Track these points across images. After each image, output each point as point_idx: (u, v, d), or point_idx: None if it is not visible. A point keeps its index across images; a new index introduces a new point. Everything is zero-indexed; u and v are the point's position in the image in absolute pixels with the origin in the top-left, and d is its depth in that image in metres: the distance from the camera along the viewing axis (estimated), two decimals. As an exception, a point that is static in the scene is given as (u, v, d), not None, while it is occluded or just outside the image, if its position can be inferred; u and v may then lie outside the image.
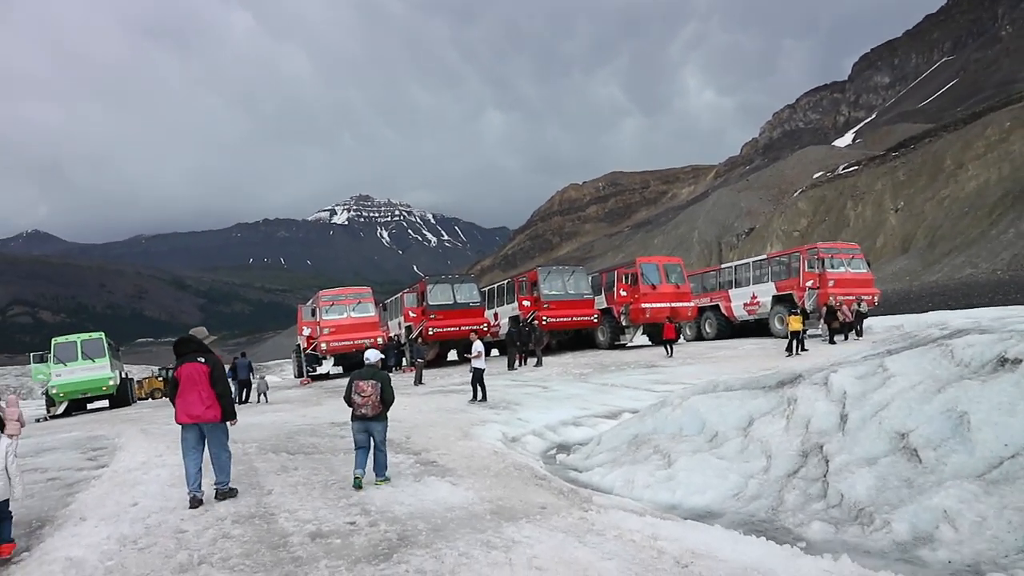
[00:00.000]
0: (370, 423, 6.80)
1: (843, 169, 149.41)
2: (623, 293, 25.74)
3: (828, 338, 23.57)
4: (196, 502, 6.24)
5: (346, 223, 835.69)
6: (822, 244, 25.91)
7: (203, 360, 6.41)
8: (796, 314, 20.50)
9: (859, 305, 23.55)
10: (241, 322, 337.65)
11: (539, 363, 22.29)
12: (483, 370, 14.85)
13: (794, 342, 20.10)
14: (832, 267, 24.88)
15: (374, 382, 6.78)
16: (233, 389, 14.24)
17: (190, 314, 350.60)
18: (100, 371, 24.73)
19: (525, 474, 7.33)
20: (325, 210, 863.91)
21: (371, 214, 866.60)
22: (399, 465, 7.77)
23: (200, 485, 6.35)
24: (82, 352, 24.72)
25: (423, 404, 14.18)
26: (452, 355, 29.79)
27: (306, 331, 27.08)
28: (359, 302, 26.54)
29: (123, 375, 29.85)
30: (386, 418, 6.97)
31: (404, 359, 25.84)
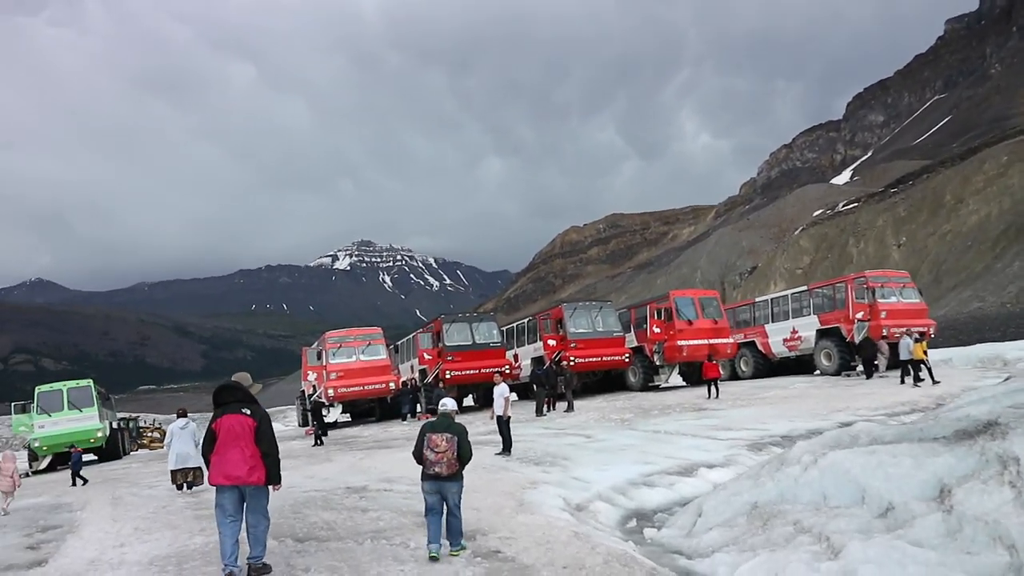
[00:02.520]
0: (445, 484, 5.92)
1: (843, 206, 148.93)
2: (656, 330, 23.60)
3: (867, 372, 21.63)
4: (255, 574, 5.34)
5: (348, 268, 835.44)
6: (870, 272, 23.90)
7: (248, 412, 5.53)
8: (921, 340, 19.09)
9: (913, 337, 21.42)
10: (244, 368, 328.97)
11: (570, 407, 20.09)
12: (510, 418, 12.89)
13: (918, 371, 18.81)
14: (883, 297, 22.82)
15: (449, 435, 5.91)
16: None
17: (192, 361, 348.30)
18: (88, 422, 22.66)
19: (632, 570, 5.18)
20: (327, 256, 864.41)
21: (373, 259, 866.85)
22: (451, 560, 5.59)
23: (237, 559, 5.37)
24: (68, 401, 22.64)
25: (453, 460, 11.95)
26: (468, 400, 27.54)
27: (311, 376, 24.81)
28: (369, 343, 24.32)
29: (116, 425, 27.63)
30: (462, 478, 6.10)
31: (419, 406, 23.54)
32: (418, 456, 6.02)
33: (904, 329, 21.65)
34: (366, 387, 23.21)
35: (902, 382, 19.06)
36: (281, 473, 5.66)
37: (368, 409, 27.93)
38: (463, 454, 5.98)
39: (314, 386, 24.70)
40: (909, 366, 19.10)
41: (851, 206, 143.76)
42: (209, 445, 5.51)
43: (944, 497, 5.45)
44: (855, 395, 17.64)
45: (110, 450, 24.24)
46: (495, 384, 13.87)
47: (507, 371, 23.52)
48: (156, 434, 40.44)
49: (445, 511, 5.96)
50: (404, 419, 22.95)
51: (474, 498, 8.31)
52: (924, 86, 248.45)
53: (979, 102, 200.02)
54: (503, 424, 12.68)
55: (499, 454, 12.36)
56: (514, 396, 28.19)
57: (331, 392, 22.98)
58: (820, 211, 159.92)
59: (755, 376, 26.32)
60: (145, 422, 40.63)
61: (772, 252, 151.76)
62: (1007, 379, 9.61)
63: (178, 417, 11.89)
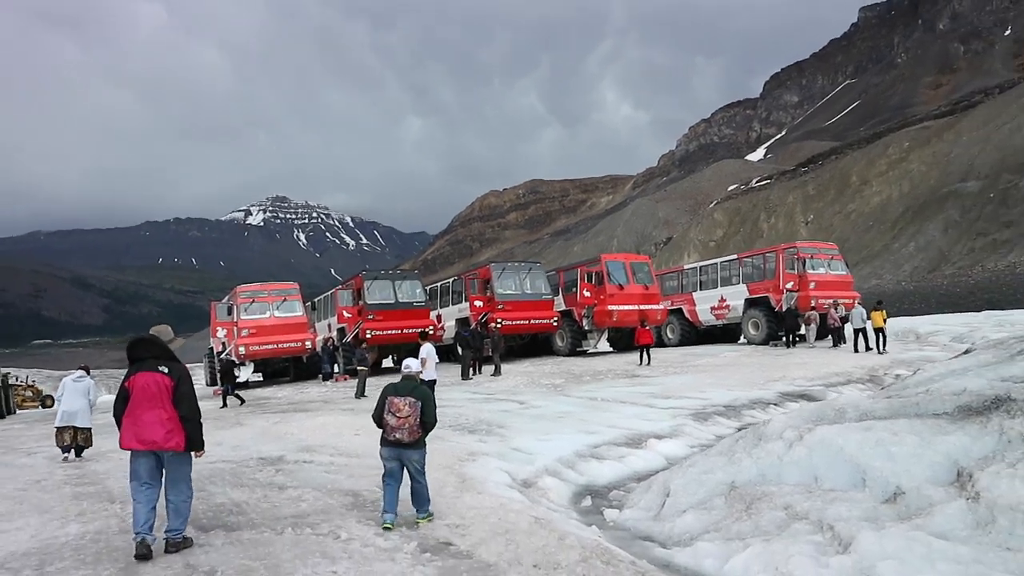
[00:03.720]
0: (405, 451, 5.49)
1: (756, 183, 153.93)
2: (586, 294, 22.91)
3: (789, 342, 21.99)
4: (143, 550, 4.61)
5: (262, 224, 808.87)
6: (801, 243, 23.92)
7: (166, 370, 4.95)
8: (880, 309, 19.37)
9: (836, 309, 21.61)
10: (149, 324, 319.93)
11: (497, 371, 19.22)
12: (435, 381, 12.15)
13: (877, 339, 19.23)
14: (812, 268, 22.87)
15: (412, 400, 5.50)
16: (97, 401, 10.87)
17: (93, 315, 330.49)
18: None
19: (617, 570, 4.30)
20: (240, 210, 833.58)
21: (287, 215, 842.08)
22: (394, 554, 4.56)
23: (152, 528, 4.75)
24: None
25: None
26: (387, 362, 26.33)
27: (221, 333, 22.92)
28: (284, 299, 22.60)
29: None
30: (425, 444, 5.68)
31: (337, 367, 22.14)
32: (378, 420, 5.60)
33: (831, 300, 21.81)
34: (280, 345, 21.63)
35: (855, 350, 19.29)
36: (204, 438, 5.05)
37: (282, 369, 26.29)
38: (427, 420, 5.56)
39: (224, 344, 22.91)
40: (860, 334, 19.44)
41: (764, 182, 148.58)
42: (121, 405, 4.89)
43: (964, 482, 4.78)
44: (788, 364, 17.47)
45: None
46: (420, 344, 12.82)
47: (432, 332, 22.43)
48: (29, 392, 37.14)
49: (407, 478, 5.55)
50: (326, 379, 21.52)
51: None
52: (837, 70, 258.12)
53: (885, 89, 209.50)
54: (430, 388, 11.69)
55: None
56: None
57: (242, 350, 21.32)
58: (735, 186, 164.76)
59: (681, 344, 26.19)
60: (17, 379, 36.94)
61: (687, 224, 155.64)
62: (967, 351, 9.22)
63: (78, 370, 10.52)
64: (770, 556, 4.76)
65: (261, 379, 27.39)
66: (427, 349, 12.76)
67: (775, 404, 12.94)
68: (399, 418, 5.41)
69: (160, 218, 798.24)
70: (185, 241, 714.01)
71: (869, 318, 19.42)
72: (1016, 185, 75.87)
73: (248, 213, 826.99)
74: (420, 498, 5.57)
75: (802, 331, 22.35)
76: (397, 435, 5.41)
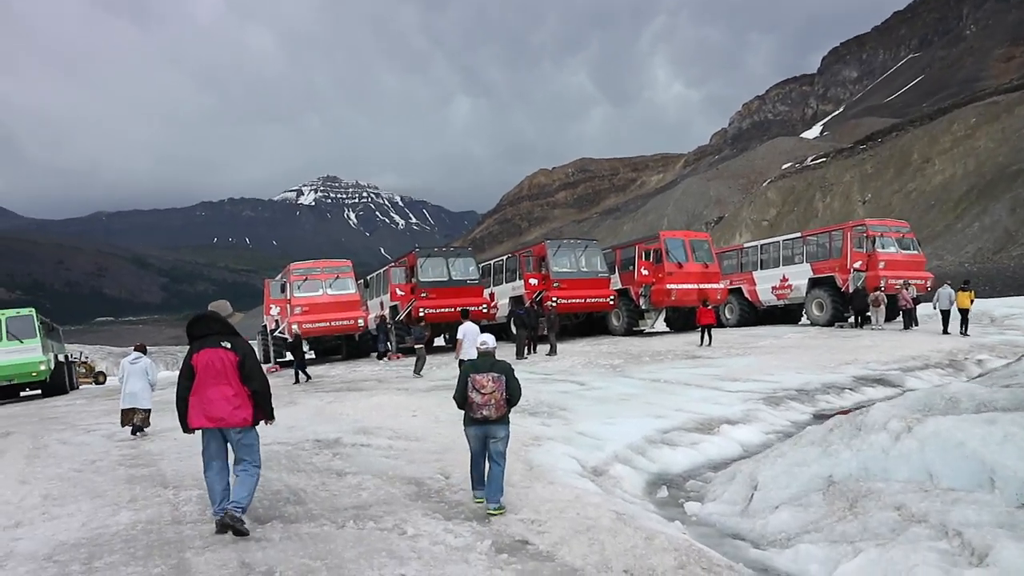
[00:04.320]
0: (493, 427, 5.38)
1: (812, 161, 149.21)
2: (644, 272, 22.20)
3: (858, 323, 21.03)
4: (226, 526, 4.61)
5: (313, 204, 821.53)
6: (871, 220, 22.72)
7: (229, 345, 4.88)
8: (967, 289, 18.61)
9: (907, 290, 20.51)
10: (205, 302, 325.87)
11: (553, 351, 18.75)
12: None
13: (961, 322, 18.58)
14: (882, 247, 21.75)
15: (495, 375, 5.35)
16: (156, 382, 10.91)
17: (152, 293, 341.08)
18: (30, 354, 20.81)
19: (704, 572, 3.81)
20: (292, 190, 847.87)
21: (338, 195, 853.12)
22: (467, 555, 4.13)
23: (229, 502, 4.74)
24: (7, 332, 20.74)
25: (436, 407, 10.48)
26: (439, 340, 26.09)
27: (274, 311, 22.90)
28: (337, 277, 22.40)
29: (62, 357, 25.70)
30: (509, 421, 5.54)
31: (390, 345, 21.94)
32: (461, 400, 5.48)
33: (902, 281, 20.74)
34: (333, 323, 21.45)
35: (944, 332, 18.60)
36: (273, 408, 5.05)
37: (334, 347, 26.24)
38: (512, 393, 5.44)
39: (277, 321, 22.92)
40: (947, 316, 18.76)
41: (819, 161, 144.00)
42: (187, 383, 4.84)
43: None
44: (858, 347, 16.61)
45: (55, 384, 22.49)
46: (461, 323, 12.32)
47: (482, 309, 22.06)
48: (83, 369, 37.93)
49: (487, 459, 5.43)
50: (381, 358, 21.33)
51: (467, 457, 6.91)
52: (899, 44, 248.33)
53: (952, 63, 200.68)
54: None
55: None
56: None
57: (295, 328, 21.28)
58: (789, 164, 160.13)
59: (740, 324, 25.32)
60: (73, 356, 37.83)
61: (739, 203, 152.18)
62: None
63: (134, 351, 10.42)
64: (888, 565, 4.20)
65: (314, 357, 27.48)
66: (466, 328, 12.28)
67: (850, 389, 12.22)
68: (484, 394, 5.28)
69: (215, 199, 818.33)
70: (239, 221, 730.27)
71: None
72: (1088, 162, 71.91)
73: (300, 193, 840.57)
74: (495, 484, 5.34)
75: (869, 313, 21.33)
76: (484, 412, 5.28)
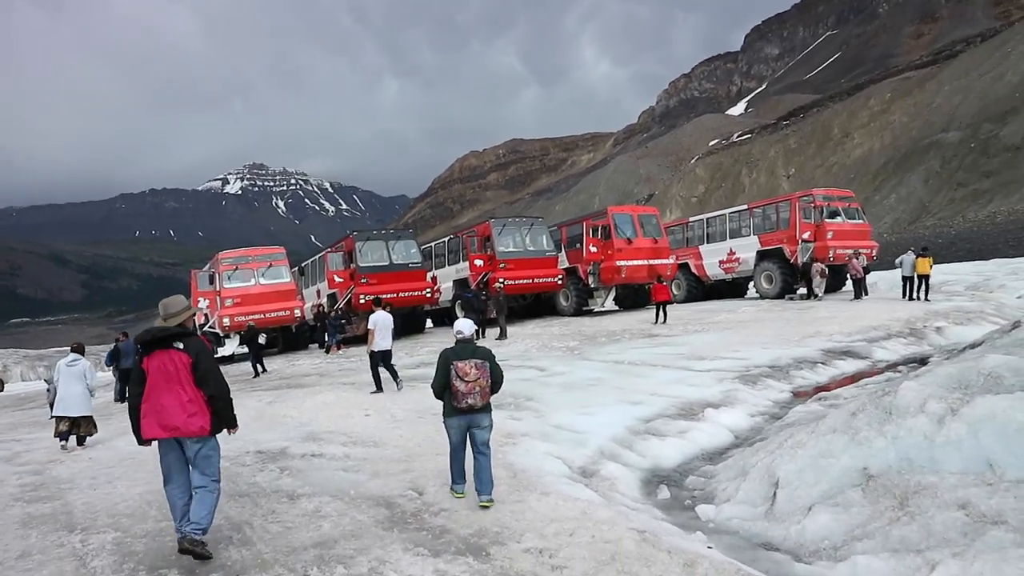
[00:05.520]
0: (477, 415, 5.16)
1: (737, 137, 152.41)
2: (593, 249, 21.48)
3: (808, 295, 20.81)
4: (185, 551, 4.05)
5: (239, 193, 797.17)
6: (817, 191, 22.56)
7: (181, 346, 4.38)
8: (926, 255, 18.50)
9: (857, 259, 20.43)
10: (129, 298, 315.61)
11: (503, 334, 17.89)
12: (390, 352, 10.90)
13: (919, 287, 18.58)
14: (829, 217, 21.62)
15: (478, 361, 5.13)
16: (115, 386, 9.90)
17: (72, 291, 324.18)
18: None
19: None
20: (217, 179, 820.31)
21: (266, 183, 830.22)
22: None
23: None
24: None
25: (390, 403, 9.46)
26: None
27: (203, 303, 21.25)
28: (270, 265, 20.88)
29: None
30: (491, 409, 5.31)
31: (327, 335, 20.62)
32: (441, 390, 5.21)
33: (852, 250, 20.64)
34: (267, 315, 20.00)
35: (905, 298, 18.68)
36: (235, 415, 4.56)
37: (270, 340, 24.79)
38: (496, 379, 5.25)
39: (206, 315, 21.31)
40: (909, 282, 18.72)
41: (745, 137, 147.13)
42: (138, 388, 4.38)
43: None
44: (816, 319, 16.29)
45: None
46: (372, 311, 11.42)
47: (426, 294, 20.97)
48: None
49: (471, 450, 5.19)
50: (328, 351, 19.96)
51: (439, 463, 5.95)
52: (818, 21, 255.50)
53: (867, 40, 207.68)
54: (377, 361, 10.84)
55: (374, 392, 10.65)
56: (429, 323, 25.81)
57: (226, 321, 19.74)
58: (715, 141, 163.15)
59: (687, 300, 24.97)
60: None
61: (669, 180, 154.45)
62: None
63: (71, 352, 9.21)
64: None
65: (246, 352, 25.89)
66: (377, 317, 11.33)
67: (822, 363, 11.77)
68: (468, 382, 5.04)
69: (136, 190, 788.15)
70: (162, 212, 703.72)
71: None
72: (996, 135, 74.97)
73: (225, 182, 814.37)
74: (484, 475, 5.10)
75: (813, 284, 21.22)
76: (469, 400, 5.03)
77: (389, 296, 19.72)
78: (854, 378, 10.68)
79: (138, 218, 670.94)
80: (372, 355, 10.82)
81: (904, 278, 18.73)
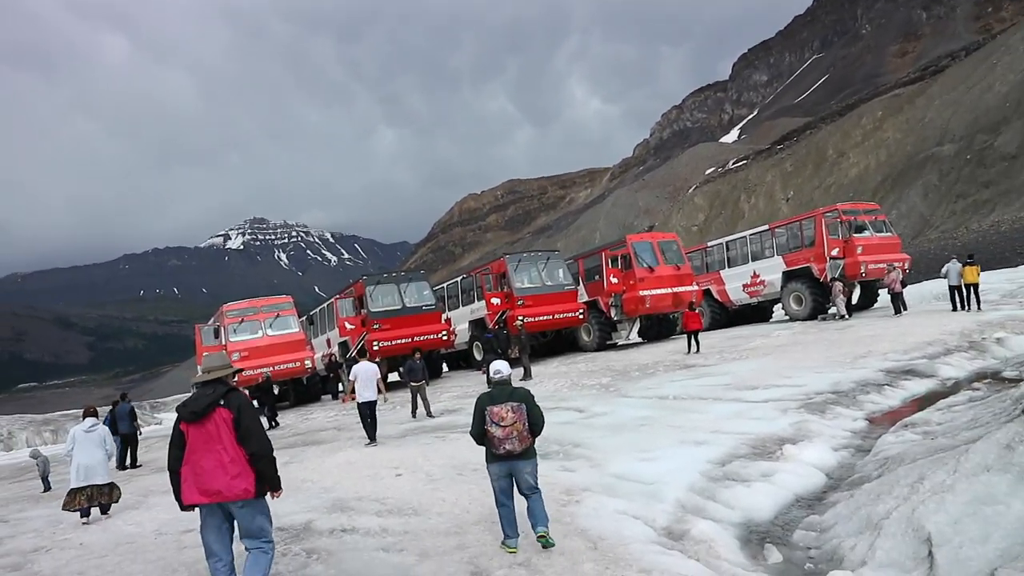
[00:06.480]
0: (518, 463, 4.83)
1: (733, 164, 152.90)
2: (614, 280, 20.55)
3: (841, 314, 19.79)
4: None
5: (241, 247, 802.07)
6: (842, 205, 21.69)
7: (222, 403, 4.12)
8: (973, 263, 17.50)
9: (894, 272, 19.45)
10: (135, 358, 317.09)
11: (527, 375, 16.87)
12: (375, 402, 10.77)
13: (969, 297, 17.60)
14: (856, 231, 20.71)
15: (514, 404, 4.84)
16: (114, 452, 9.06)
17: (78, 353, 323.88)
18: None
19: None
20: (218, 235, 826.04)
21: (267, 237, 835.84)
22: None
23: None
24: None
25: (421, 459, 8.42)
26: (394, 376, 23.85)
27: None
28: (278, 315, 19.93)
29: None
30: (536, 453, 4.97)
31: (342, 385, 19.60)
32: (479, 436, 4.98)
33: (888, 264, 19.70)
34: (277, 367, 19.02)
35: (954, 309, 17.73)
36: (279, 475, 4.29)
37: (280, 393, 23.78)
38: (535, 422, 4.95)
39: None
40: (956, 292, 17.80)
41: (741, 163, 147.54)
42: (178, 452, 4.17)
43: None
44: (860, 338, 15.25)
45: None
46: (356, 362, 11.00)
47: (442, 338, 19.97)
48: None
49: (518, 496, 4.95)
50: (343, 401, 18.79)
51: (496, 532, 4.94)
52: (803, 46, 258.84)
53: (852, 61, 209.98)
54: (364, 411, 10.71)
55: (369, 445, 10.33)
56: (445, 367, 24.74)
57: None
58: (712, 169, 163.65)
59: (712, 327, 23.93)
60: None
61: (668, 210, 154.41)
62: None
63: (84, 417, 8.44)
64: None
65: (257, 406, 24.81)
66: (359, 368, 10.96)
67: (888, 385, 10.69)
68: (504, 427, 4.81)
69: (138, 250, 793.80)
70: (165, 271, 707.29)
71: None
72: (991, 145, 74.71)
73: (227, 238, 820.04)
74: (538, 511, 4.88)
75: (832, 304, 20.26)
76: (507, 446, 4.80)
77: (403, 341, 18.78)
78: (929, 399, 9.62)
79: (142, 278, 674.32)
80: (359, 407, 10.66)
81: (951, 287, 17.75)
